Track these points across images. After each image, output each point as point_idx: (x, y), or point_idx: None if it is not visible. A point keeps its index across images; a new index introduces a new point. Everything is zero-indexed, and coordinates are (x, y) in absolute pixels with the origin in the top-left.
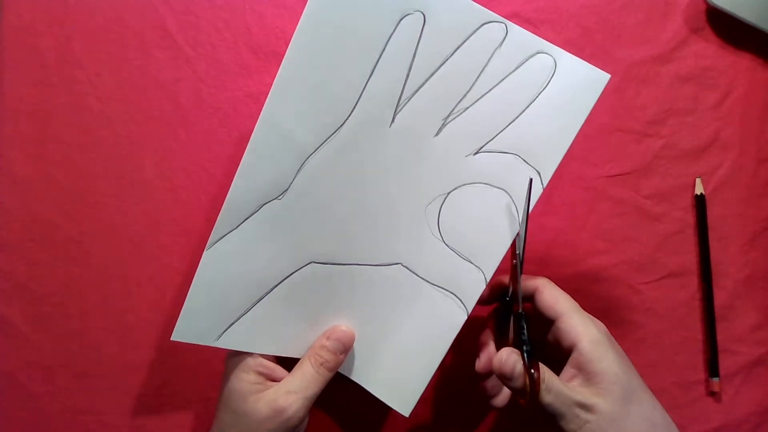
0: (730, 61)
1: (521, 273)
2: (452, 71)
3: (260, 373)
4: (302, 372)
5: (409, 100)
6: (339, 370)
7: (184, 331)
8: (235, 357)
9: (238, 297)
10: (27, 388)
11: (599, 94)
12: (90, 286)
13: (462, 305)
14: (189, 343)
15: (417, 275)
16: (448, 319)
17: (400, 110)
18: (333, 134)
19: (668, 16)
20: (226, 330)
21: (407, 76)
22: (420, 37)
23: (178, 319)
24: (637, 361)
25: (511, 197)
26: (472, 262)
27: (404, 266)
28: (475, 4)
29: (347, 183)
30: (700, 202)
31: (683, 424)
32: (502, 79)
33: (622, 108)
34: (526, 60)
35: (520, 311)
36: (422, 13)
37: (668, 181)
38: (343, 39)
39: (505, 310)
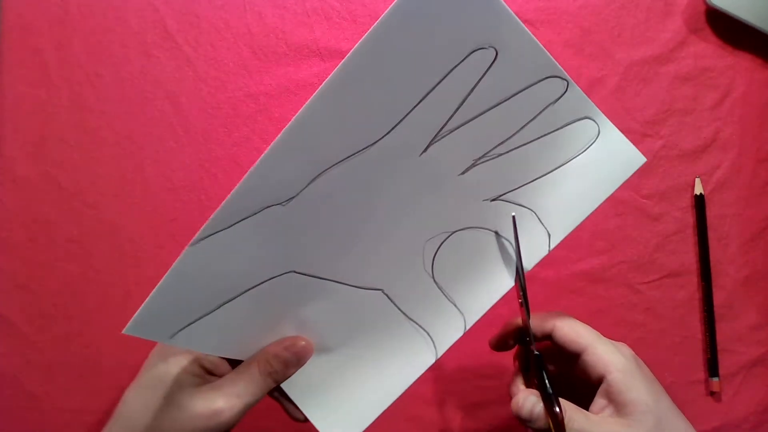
0: (729, 62)
1: (529, 316)
2: (501, 115)
3: (203, 367)
4: (249, 377)
5: (450, 134)
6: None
7: (138, 326)
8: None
9: (206, 297)
10: (27, 387)
11: (630, 174)
12: (90, 286)
13: (433, 347)
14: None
15: (396, 305)
16: (416, 357)
17: (436, 141)
18: (360, 151)
19: (668, 16)
20: (183, 329)
21: (457, 109)
22: (485, 73)
23: (135, 314)
24: None
25: (513, 250)
26: (456, 306)
27: (385, 293)
28: (548, 53)
29: (356, 202)
30: (699, 202)
31: None
32: (544, 135)
33: (621, 108)
34: (574, 122)
35: (535, 353)
36: (495, 49)
37: (667, 181)
38: (408, 59)
39: (526, 351)
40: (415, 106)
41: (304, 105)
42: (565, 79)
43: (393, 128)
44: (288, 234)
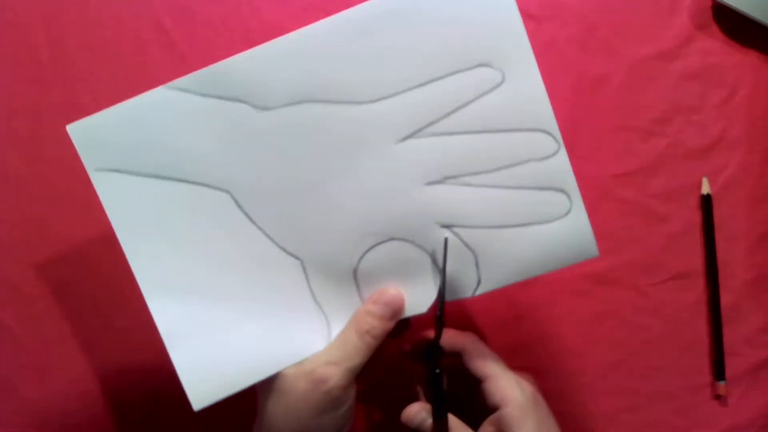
0: (736, 59)
1: (440, 335)
2: (484, 144)
3: None
4: (344, 340)
5: (429, 137)
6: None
7: (80, 131)
8: None
9: (147, 152)
10: (20, 391)
11: (579, 262)
12: (84, 288)
13: (328, 336)
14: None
15: (308, 282)
16: (307, 341)
17: (415, 137)
18: (347, 103)
19: (673, 12)
20: (113, 171)
21: (447, 114)
22: (485, 93)
23: (83, 119)
24: (643, 364)
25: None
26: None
27: (303, 266)
28: (550, 107)
29: (318, 154)
30: (706, 202)
31: (688, 428)
32: (516, 188)
33: (627, 106)
34: (549, 190)
35: (436, 371)
36: (503, 74)
37: (674, 180)
38: (424, 37)
39: (429, 365)
40: (411, 89)
41: (319, 22)
42: (558, 142)
43: (383, 99)
44: (245, 146)
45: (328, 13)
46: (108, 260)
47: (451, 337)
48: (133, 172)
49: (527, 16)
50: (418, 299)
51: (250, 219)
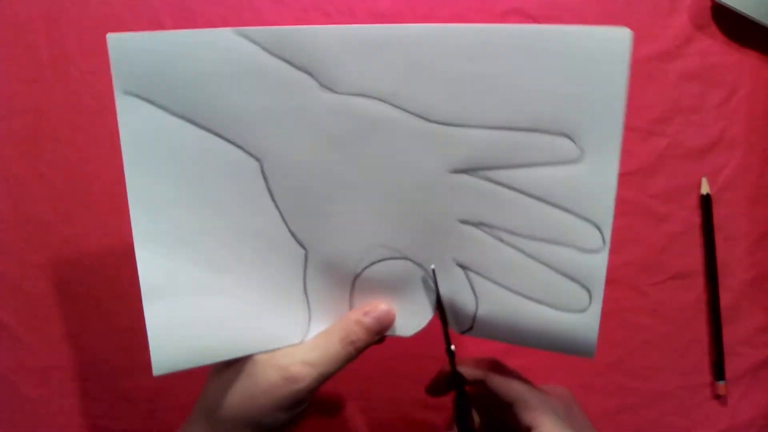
0: (735, 59)
1: (453, 366)
2: (531, 213)
3: None
4: (326, 345)
5: (480, 180)
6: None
7: (118, 44)
8: None
9: (183, 88)
10: (21, 390)
11: (567, 354)
12: (84, 288)
13: (305, 332)
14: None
15: (304, 273)
16: (285, 331)
17: (466, 173)
18: (413, 115)
19: (673, 12)
20: (144, 99)
21: (504, 167)
22: (551, 164)
23: (127, 35)
24: (643, 364)
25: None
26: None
27: (306, 256)
28: (613, 207)
29: (364, 154)
30: (706, 202)
31: (688, 428)
32: (543, 263)
33: (626, 106)
34: (571, 280)
35: (460, 402)
36: (581, 152)
37: (674, 180)
38: (521, 80)
39: (456, 394)
40: (488, 127)
41: (427, 26)
42: (605, 242)
43: (455, 125)
44: (294, 120)
45: (327, 14)
46: (108, 260)
47: (471, 365)
48: (164, 108)
49: (527, 16)
50: (406, 322)
51: (271, 194)
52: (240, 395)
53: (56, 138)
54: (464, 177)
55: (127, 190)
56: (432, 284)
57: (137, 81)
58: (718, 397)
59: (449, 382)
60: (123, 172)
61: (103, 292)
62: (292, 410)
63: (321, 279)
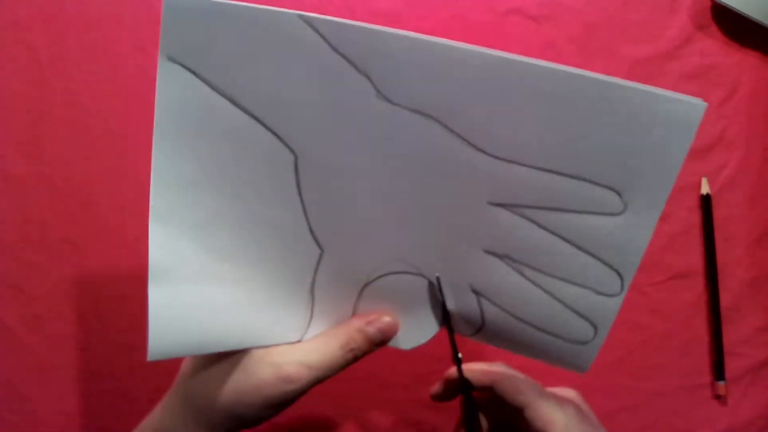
0: (735, 59)
1: (461, 374)
2: (553, 255)
3: None
4: (325, 348)
5: (519, 220)
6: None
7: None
8: None
9: (224, 57)
10: (21, 390)
11: (563, 368)
12: (85, 288)
13: (304, 332)
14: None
15: (315, 274)
16: (284, 328)
17: (503, 207)
18: (465, 142)
19: (673, 12)
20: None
21: (539, 208)
22: (593, 212)
23: None
24: (643, 364)
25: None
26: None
27: (321, 257)
28: (640, 261)
29: (404, 170)
30: (705, 202)
31: (688, 428)
32: (557, 299)
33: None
34: (582, 317)
35: (468, 408)
36: (625, 208)
37: None
38: (579, 126)
39: (465, 401)
40: (538, 168)
41: (507, 55)
42: (623, 289)
43: (505, 160)
44: (341, 121)
45: (327, 13)
46: (109, 260)
47: (479, 372)
48: (207, 82)
49: (528, 16)
50: (408, 335)
51: (299, 189)
52: (231, 389)
53: (56, 138)
54: (502, 211)
55: (152, 164)
56: (436, 300)
57: (185, 48)
58: (718, 397)
59: (457, 388)
60: (124, 172)
61: (104, 292)
62: (278, 408)
63: (330, 281)
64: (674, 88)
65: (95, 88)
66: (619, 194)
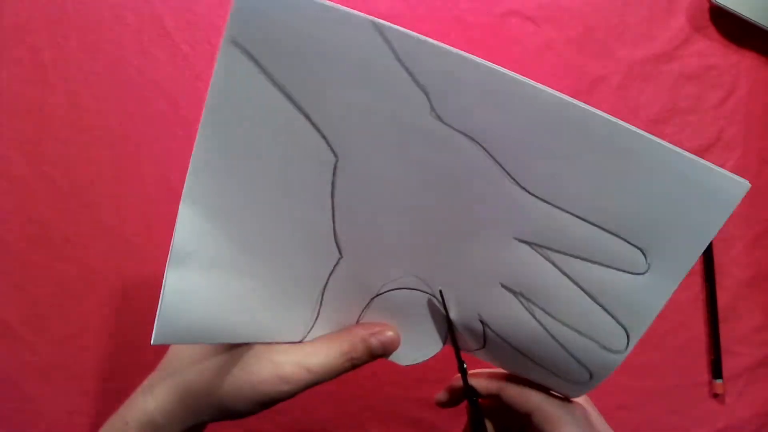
0: (733, 60)
1: (467, 384)
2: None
3: None
4: (327, 354)
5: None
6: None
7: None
8: None
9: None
10: (23, 389)
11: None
12: (86, 287)
13: (306, 332)
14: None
15: (328, 278)
16: (290, 326)
17: (527, 245)
18: (505, 172)
19: (671, 14)
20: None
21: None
22: (616, 268)
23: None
24: (640, 362)
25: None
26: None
27: (339, 262)
28: (651, 322)
29: (442, 185)
30: None
31: (686, 426)
32: (561, 343)
33: (624, 107)
34: (581, 365)
35: (474, 416)
36: (648, 269)
37: None
38: (623, 183)
39: (471, 408)
40: (572, 214)
41: (571, 100)
42: (628, 347)
43: (542, 200)
44: (390, 132)
45: None
46: (110, 259)
47: (484, 380)
48: (266, 72)
49: (526, 18)
50: (407, 353)
51: (333, 192)
52: (229, 383)
53: (58, 139)
54: (526, 248)
55: (195, 145)
56: (442, 323)
57: (251, 35)
58: (715, 395)
59: (461, 395)
60: (125, 172)
61: (105, 292)
62: (269, 406)
63: (342, 287)
64: (672, 89)
65: (97, 89)
66: (645, 255)
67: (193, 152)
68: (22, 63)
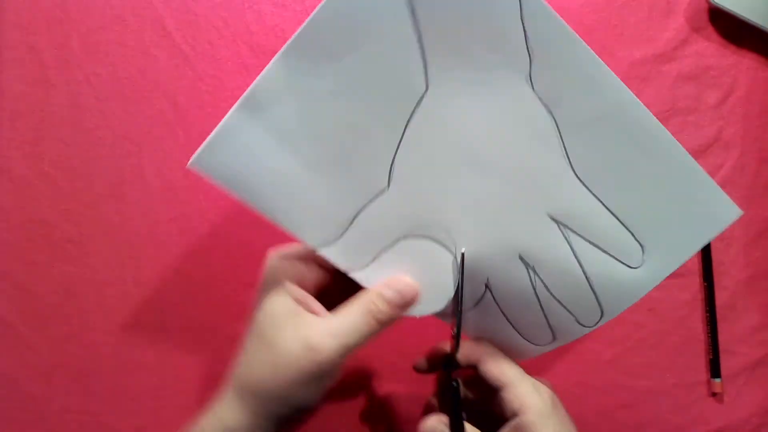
0: (731, 61)
1: (458, 349)
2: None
3: (297, 300)
4: (347, 316)
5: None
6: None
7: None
8: (270, 283)
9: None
10: (25, 388)
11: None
12: (88, 287)
13: (328, 244)
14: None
15: (367, 206)
16: (317, 233)
17: (563, 228)
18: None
19: (670, 14)
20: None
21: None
22: (616, 258)
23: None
24: (639, 362)
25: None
26: (367, 280)
27: (381, 194)
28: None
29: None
30: None
31: (684, 425)
32: (547, 312)
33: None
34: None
35: (453, 384)
36: (643, 262)
37: None
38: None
39: (446, 378)
40: (600, 201)
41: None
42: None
43: (582, 182)
44: (481, 78)
45: None
46: (111, 259)
47: (466, 349)
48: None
49: None
50: (428, 305)
51: (408, 122)
52: (266, 365)
53: (60, 139)
54: (553, 225)
55: (308, 20)
56: (459, 268)
57: None
58: (714, 394)
59: (438, 364)
60: (127, 172)
61: (106, 291)
62: (314, 385)
63: (374, 218)
64: (671, 90)
65: (98, 89)
66: (643, 251)
67: (311, 16)
68: (23, 63)
